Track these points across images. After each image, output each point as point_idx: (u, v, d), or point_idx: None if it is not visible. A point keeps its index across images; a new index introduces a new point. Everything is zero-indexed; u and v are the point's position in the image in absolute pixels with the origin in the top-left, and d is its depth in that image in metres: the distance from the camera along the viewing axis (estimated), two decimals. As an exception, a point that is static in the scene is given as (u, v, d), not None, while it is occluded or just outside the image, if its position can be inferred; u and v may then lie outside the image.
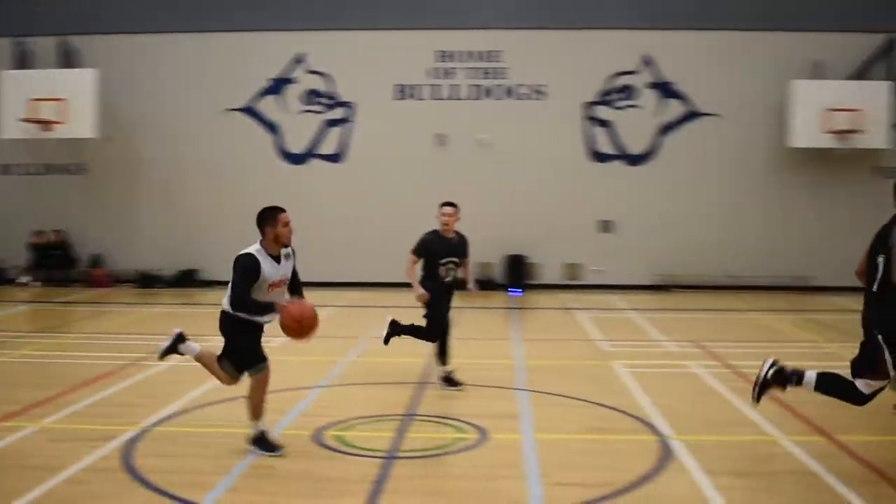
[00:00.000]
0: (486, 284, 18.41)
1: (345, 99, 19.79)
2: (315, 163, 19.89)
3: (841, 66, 18.92)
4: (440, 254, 8.97)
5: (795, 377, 6.40)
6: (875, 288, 6.06)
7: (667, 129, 19.30)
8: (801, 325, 14.04)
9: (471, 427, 7.28)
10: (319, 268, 19.28)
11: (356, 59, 19.60)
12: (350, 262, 19.40)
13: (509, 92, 19.51)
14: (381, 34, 19.49)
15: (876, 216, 21.63)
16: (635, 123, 19.28)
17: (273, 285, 6.50)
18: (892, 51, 19.07)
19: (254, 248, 6.51)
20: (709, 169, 19.15)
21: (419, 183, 19.39)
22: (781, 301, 17.42)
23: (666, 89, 19.26)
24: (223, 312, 6.58)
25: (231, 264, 6.39)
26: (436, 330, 8.96)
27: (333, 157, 19.86)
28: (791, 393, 8.67)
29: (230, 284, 6.45)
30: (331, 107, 19.86)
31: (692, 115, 19.25)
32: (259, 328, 6.61)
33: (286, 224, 6.60)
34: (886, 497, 5.74)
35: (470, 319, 14.02)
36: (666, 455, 6.57)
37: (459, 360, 10.06)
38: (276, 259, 6.54)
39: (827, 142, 18.37)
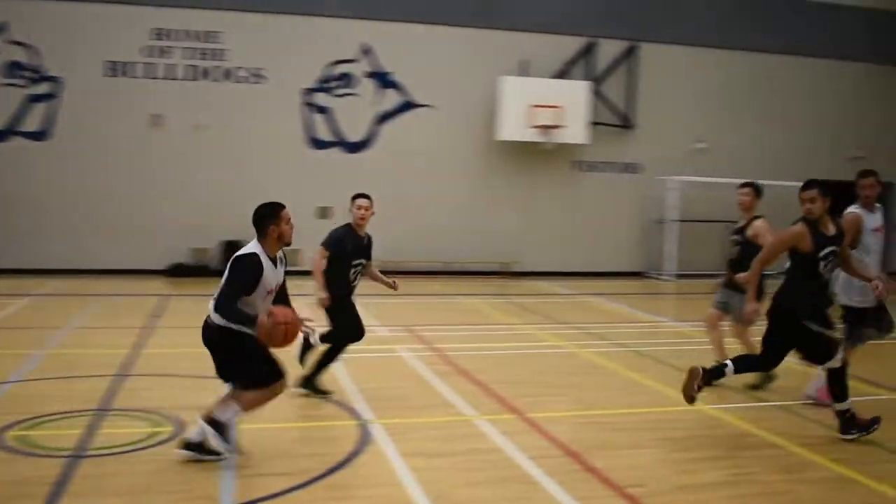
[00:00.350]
0: (201, 270, 18.01)
1: (51, 73, 18.44)
2: (17, 140, 18.36)
3: (545, 65, 20.16)
4: (353, 253, 8.00)
5: (719, 372, 7.12)
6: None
7: (384, 118, 19.68)
8: (503, 309, 14.86)
9: (168, 420, 7.05)
10: (16, 253, 18.02)
11: (64, 31, 18.31)
12: (54, 248, 18.19)
13: (228, 74, 19.06)
14: (90, 6, 18.33)
15: (575, 207, 23.46)
16: (353, 111, 19.50)
17: (270, 291, 5.96)
18: (590, 53, 20.58)
19: (254, 248, 5.88)
20: (424, 159, 19.74)
21: (132, 165, 18.58)
22: (489, 286, 18.35)
23: (384, 79, 19.63)
24: (217, 328, 5.86)
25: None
26: (348, 336, 8.08)
27: (37, 135, 18.46)
28: (488, 374, 9.23)
29: (220, 289, 5.83)
30: (35, 81, 18.44)
31: (408, 106, 19.76)
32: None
33: (289, 221, 6.04)
34: (565, 469, 6.18)
35: (181, 308, 13.65)
36: (365, 439, 6.73)
37: (157, 349, 9.84)
38: (274, 262, 6.00)
39: (532, 136, 19.52)
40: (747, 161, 21.47)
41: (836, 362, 6.94)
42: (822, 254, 6.89)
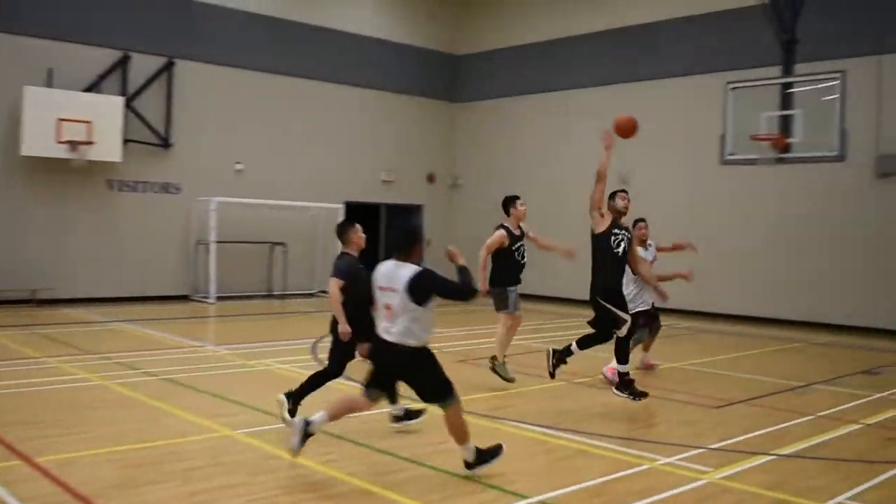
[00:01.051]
0: None
1: None
2: None
3: (75, 77, 18.86)
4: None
5: (567, 352, 9.25)
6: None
7: None
8: (26, 341, 13.50)
9: None
10: None
11: None
12: None
13: None
14: None
15: (112, 227, 22.24)
16: None
17: None
18: (124, 67, 19.66)
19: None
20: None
21: None
22: (14, 316, 16.65)
23: None
24: (414, 350, 6.39)
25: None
26: (341, 366, 8.13)
27: None
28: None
29: (413, 311, 6.31)
30: None
31: None
32: None
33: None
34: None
35: None
36: None
37: None
38: None
39: (59, 152, 18.09)
40: (284, 182, 22.01)
41: (622, 332, 9.05)
42: (613, 239, 8.99)
